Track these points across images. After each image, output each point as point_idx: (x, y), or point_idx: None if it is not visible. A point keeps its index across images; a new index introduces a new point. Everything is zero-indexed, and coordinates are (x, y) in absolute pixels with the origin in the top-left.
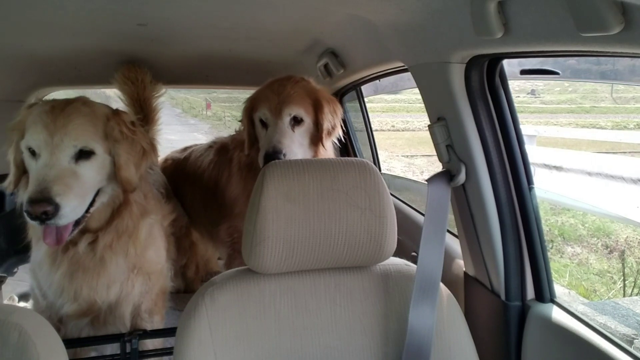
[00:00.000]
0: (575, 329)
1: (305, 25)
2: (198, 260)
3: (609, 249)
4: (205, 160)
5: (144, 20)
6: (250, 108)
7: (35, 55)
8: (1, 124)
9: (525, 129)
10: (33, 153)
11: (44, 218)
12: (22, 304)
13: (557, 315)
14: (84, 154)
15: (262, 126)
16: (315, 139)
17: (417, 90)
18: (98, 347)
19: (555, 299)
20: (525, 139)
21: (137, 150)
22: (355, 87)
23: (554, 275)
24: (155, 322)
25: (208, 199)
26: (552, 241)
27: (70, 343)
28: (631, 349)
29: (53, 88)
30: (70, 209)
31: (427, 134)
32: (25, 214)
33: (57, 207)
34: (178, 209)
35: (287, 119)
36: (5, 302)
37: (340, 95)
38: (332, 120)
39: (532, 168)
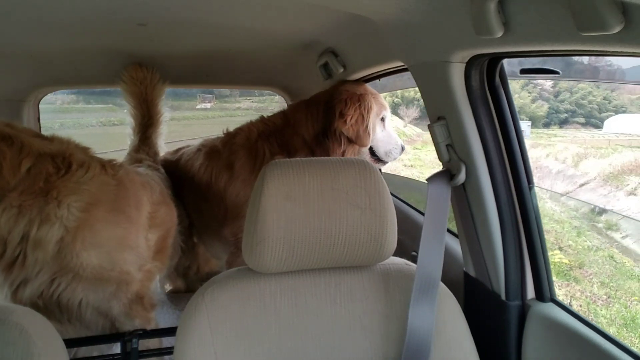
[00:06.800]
0: (576, 328)
1: (305, 24)
2: (199, 260)
3: None
4: (195, 163)
5: (144, 20)
6: (374, 108)
7: (35, 55)
8: None
9: None
10: None
11: None
12: None
13: (557, 314)
14: None
15: (381, 122)
16: None
17: None
18: (99, 346)
19: (555, 298)
20: None
21: None
22: None
23: None
24: (138, 325)
25: (199, 202)
26: None
27: (70, 343)
28: (631, 348)
29: (53, 88)
30: None
31: None
32: None
33: None
34: (180, 210)
35: None
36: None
37: None
38: None
39: None
